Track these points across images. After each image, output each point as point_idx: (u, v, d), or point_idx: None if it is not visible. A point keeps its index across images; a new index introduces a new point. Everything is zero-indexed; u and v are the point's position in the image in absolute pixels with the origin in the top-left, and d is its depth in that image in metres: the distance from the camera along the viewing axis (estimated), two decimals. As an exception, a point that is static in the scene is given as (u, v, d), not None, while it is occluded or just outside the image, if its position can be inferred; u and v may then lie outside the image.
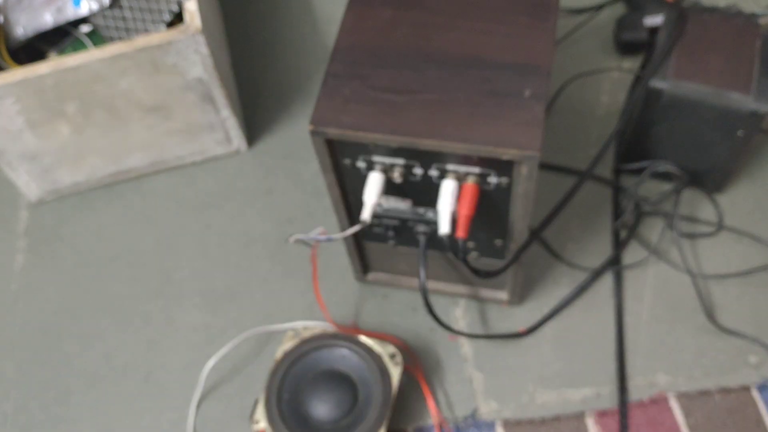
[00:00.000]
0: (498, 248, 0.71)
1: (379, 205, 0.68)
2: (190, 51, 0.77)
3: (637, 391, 0.74)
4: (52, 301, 0.85)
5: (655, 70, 0.75)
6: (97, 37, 0.85)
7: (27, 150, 0.83)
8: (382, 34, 0.64)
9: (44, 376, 0.80)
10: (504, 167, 0.60)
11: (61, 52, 0.85)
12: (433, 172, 0.62)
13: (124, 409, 0.77)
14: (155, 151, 0.89)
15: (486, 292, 0.79)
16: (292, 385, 0.72)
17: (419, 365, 0.76)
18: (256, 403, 0.72)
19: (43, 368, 0.80)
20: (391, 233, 0.72)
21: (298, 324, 0.79)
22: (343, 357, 0.73)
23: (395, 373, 0.71)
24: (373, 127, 0.58)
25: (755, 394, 0.74)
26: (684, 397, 0.74)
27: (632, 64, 0.96)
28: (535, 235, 0.69)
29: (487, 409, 0.75)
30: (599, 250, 0.82)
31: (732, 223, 0.83)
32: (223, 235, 0.87)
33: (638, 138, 0.81)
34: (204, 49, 0.77)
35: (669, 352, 0.76)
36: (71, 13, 0.81)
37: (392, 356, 0.72)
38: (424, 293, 0.67)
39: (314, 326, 0.76)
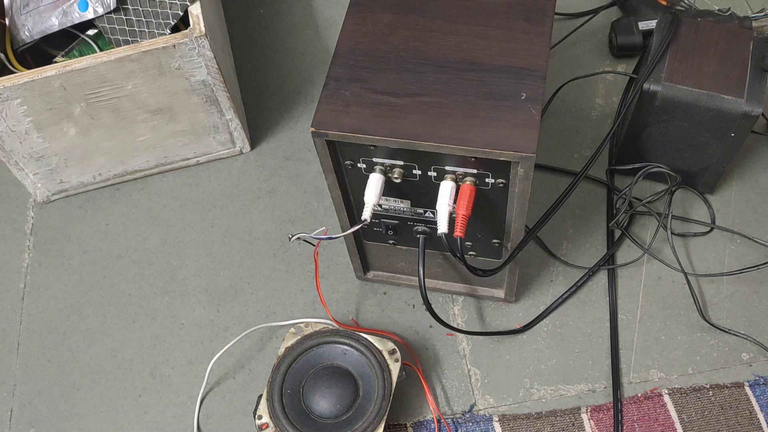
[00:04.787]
0: (495, 247, 0.71)
1: (378, 205, 0.68)
2: (195, 54, 0.78)
3: (631, 387, 0.75)
4: (59, 298, 0.86)
5: (649, 73, 0.76)
6: (103, 41, 0.86)
7: (34, 151, 0.84)
8: (381, 39, 0.64)
9: (50, 372, 0.81)
10: (501, 168, 0.61)
11: (68, 55, 0.86)
12: (432, 173, 0.63)
13: (129, 405, 0.78)
14: (160, 152, 0.90)
15: (483, 290, 0.80)
16: (294, 380, 0.73)
17: (418, 361, 0.77)
18: (259, 398, 0.73)
19: (49, 364, 0.81)
20: (390, 233, 0.73)
21: (300, 321, 0.80)
22: (344, 353, 0.74)
23: (394, 368, 0.72)
24: (373, 129, 0.59)
25: (748, 391, 0.74)
26: (677, 393, 0.75)
27: (626, 67, 0.97)
28: (531, 234, 0.70)
29: (484, 404, 0.76)
30: (594, 249, 0.84)
31: (724, 222, 0.84)
32: (226, 234, 0.89)
33: (632, 139, 0.82)
34: (208, 53, 0.78)
35: (662, 349, 0.77)
36: (77, 16, 0.82)
37: (392, 352, 0.73)
38: (423, 291, 0.68)
39: (316, 323, 0.77)
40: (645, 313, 0.79)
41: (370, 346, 0.73)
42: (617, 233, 0.84)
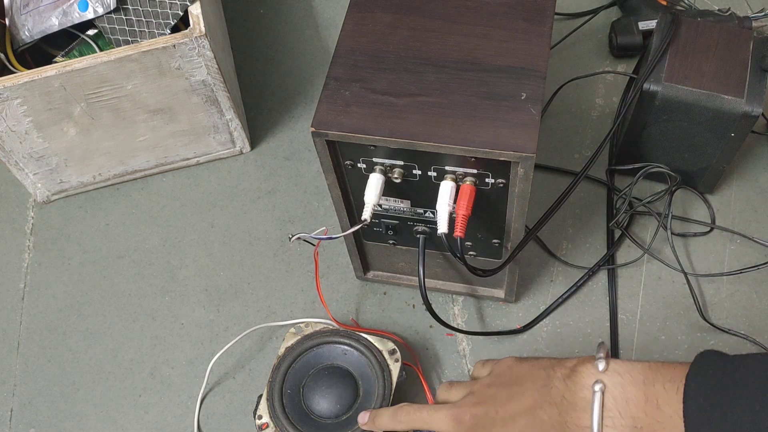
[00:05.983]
0: (495, 247, 0.72)
1: (378, 205, 0.68)
2: (195, 54, 0.78)
3: (631, 386, 0.76)
4: (59, 298, 0.86)
5: (648, 73, 0.76)
6: (103, 41, 0.86)
7: (34, 151, 0.84)
8: (381, 39, 0.64)
9: (51, 372, 0.81)
10: (501, 168, 0.61)
11: (68, 55, 0.86)
12: (432, 173, 0.63)
13: (129, 405, 0.78)
14: (160, 152, 0.90)
15: (483, 290, 0.80)
16: (294, 380, 0.73)
17: (418, 361, 0.77)
18: (259, 398, 0.73)
19: (49, 364, 0.81)
20: (390, 233, 0.73)
21: (300, 321, 0.80)
22: (344, 353, 0.74)
23: (394, 368, 0.72)
24: (373, 129, 0.59)
25: (746, 390, 0.75)
26: (677, 393, 0.75)
27: (626, 67, 0.97)
28: (531, 234, 0.70)
29: (484, 404, 0.76)
30: (594, 249, 0.84)
31: (724, 222, 0.84)
32: (226, 234, 0.89)
33: (632, 139, 0.82)
34: (208, 53, 0.78)
35: (662, 349, 0.77)
36: (77, 16, 0.82)
37: (392, 352, 0.73)
38: (423, 291, 0.68)
39: (316, 323, 0.77)
40: (645, 313, 0.79)
41: (370, 346, 0.73)
42: (617, 233, 0.84)
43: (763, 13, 0.93)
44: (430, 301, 0.69)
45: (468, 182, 0.62)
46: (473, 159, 0.60)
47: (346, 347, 0.74)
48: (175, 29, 0.80)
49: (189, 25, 0.78)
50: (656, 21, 0.81)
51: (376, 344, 0.73)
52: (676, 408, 0.49)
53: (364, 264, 0.80)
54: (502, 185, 0.62)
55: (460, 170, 0.62)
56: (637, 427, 0.51)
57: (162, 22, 0.80)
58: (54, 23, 0.83)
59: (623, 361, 0.54)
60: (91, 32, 0.86)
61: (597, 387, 0.52)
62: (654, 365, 0.52)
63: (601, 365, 0.53)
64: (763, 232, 0.83)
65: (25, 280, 0.87)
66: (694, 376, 0.49)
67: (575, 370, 0.55)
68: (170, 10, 0.79)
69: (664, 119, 0.78)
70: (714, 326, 0.77)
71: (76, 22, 0.82)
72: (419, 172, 0.63)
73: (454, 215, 0.62)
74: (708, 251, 0.83)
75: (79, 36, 0.86)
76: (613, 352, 0.77)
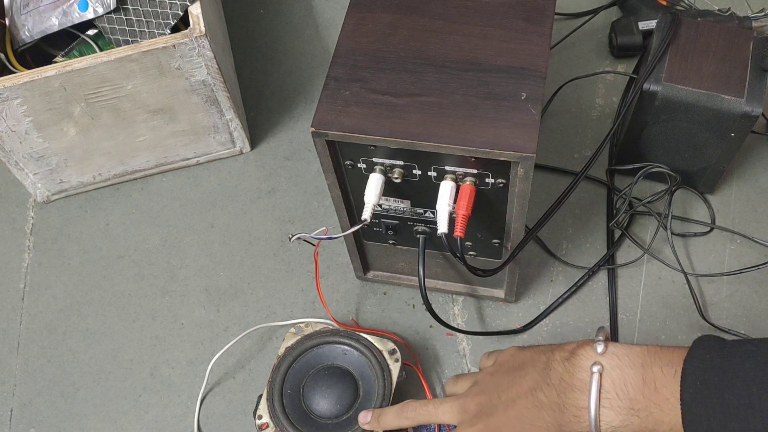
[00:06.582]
0: (495, 247, 0.71)
1: (378, 205, 0.68)
2: (195, 54, 0.78)
3: (631, 386, 0.76)
4: (59, 298, 0.86)
5: (649, 73, 0.76)
6: (103, 41, 0.86)
7: (34, 151, 0.84)
8: (381, 39, 0.64)
9: (51, 372, 0.81)
10: (501, 168, 0.61)
11: (68, 55, 0.86)
12: (432, 173, 0.63)
13: (129, 405, 0.78)
14: (160, 152, 0.90)
15: (483, 290, 0.80)
16: (295, 380, 0.73)
17: (418, 361, 0.77)
18: (259, 398, 0.73)
19: (49, 364, 0.81)
20: (390, 233, 0.73)
21: (300, 321, 0.80)
22: (344, 353, 0.74)
23: (394, 368, 0.72)
24: (373, 129, 0.59)
25: (746, 390, 0.75)
26: (677, 393, 0.75)
27: (626, 67, 0.97)
28: (531, 234, 0.70)
29: (484, 404, 0.76)
30: (594, 249, 0.84)
31: (724, 222, 0.84)
32: (226, 234, 0.89)
33: (632, 139, 0.82)
34: (208, 53, 0.78)
35: (662, 349, 0.77)
36: (77, 16, 0.82)
37: (392, 352, 0.73)
38: (423, 291, 0.68)
39: (316, 323, 0.77)
40: (645, 313, 0.79)
41: (370, 346, 0.73)
42: (617, 233, 0.84)
43: (763, 13, 0.93)
44: (430, 301, 0.69)
45: (468, 182, 0.62)
46: (473, 159, 0.60)
47: (346, 347, 0.74)
48: (175, 29, 0.80)
49: (189, 25, 0.78)
50: (656, 21, 0.81)
51: (376, 344, 0.73)
52: (674, 391, 0.49)
53: (364, 264, 0.80)
54: (502, 185, 0.62)
55: (460, 170, 0.62)
56: (635, 409, 0.51)
57: (162, 22, 0.80)
58: (54, 23, 0.83)
59: (622, 344, 0.54)
60: (91, 32, 0.86)
61: (595, 369, 0.53)
62: (652, 349, 0.53)
63: (600, 348, 0.54)
64: (763, 232, 0.83)
65: (25, 280, 0.87)
66: (691, 360, 0.50)
67: (574, 352, 0.55)
68: (170, 10, 0.79)
69: (664, 119, 0.78)
70: (714, 326, 0.77)
71: (76, 22, 0.82)
72: (419, 172, 0.63)
73: (454, 215, 0.62)
74: (708, 251, 0.83)
75: (79, 36, 0.86)
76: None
